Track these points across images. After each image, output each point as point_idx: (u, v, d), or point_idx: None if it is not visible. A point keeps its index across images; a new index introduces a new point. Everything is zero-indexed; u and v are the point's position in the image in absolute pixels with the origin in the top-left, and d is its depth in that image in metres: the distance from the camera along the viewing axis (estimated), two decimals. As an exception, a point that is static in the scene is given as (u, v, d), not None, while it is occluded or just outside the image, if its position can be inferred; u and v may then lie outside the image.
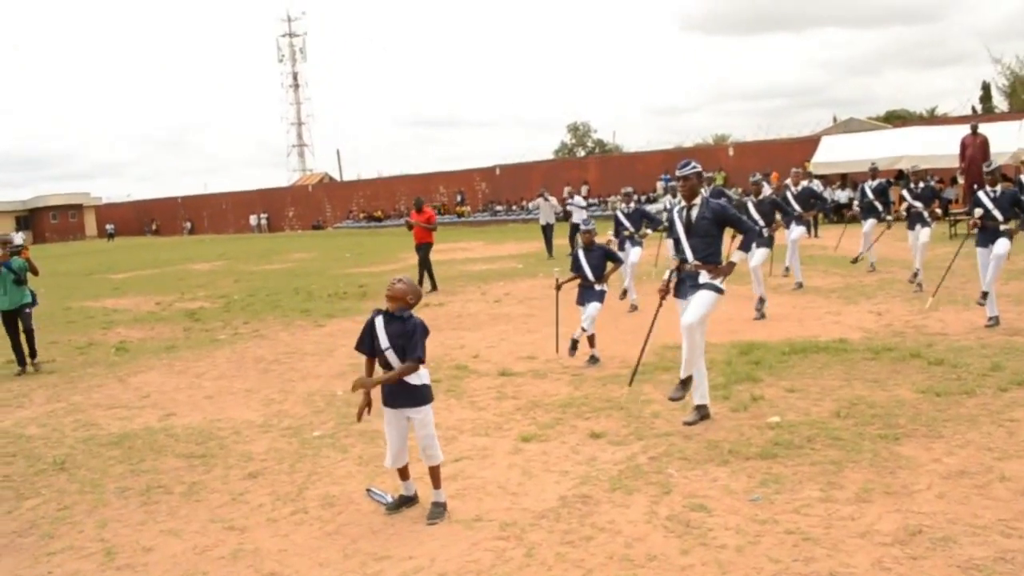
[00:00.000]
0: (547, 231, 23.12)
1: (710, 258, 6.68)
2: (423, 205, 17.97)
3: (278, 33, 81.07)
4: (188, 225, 69.99)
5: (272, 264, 27.67)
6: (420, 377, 5.14)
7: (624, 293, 13.16)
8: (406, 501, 5.39)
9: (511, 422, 7.20)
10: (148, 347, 12.48)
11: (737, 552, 4.38)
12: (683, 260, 6.79)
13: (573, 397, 7.85)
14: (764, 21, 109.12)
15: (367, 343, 5.21)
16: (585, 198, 40.28)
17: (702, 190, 6.93)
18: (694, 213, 6.71)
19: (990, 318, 9.70)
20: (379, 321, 5.14)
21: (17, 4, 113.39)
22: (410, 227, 17.44)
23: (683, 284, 6.82)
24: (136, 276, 26.31)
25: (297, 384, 9.33)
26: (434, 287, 16.77)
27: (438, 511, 5.17)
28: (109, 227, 70.42)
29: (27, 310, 11.33)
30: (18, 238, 42.42)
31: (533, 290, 15.91)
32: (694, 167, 6.72)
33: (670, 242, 7.13)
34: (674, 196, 16.40)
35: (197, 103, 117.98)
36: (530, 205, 22.84)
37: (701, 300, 6.62)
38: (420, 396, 5.14)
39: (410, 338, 5.04)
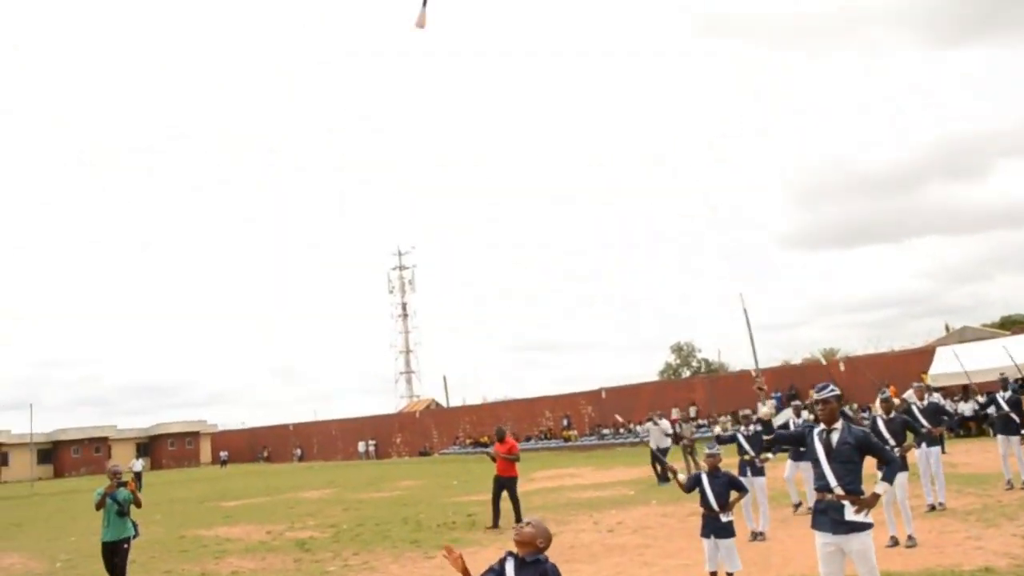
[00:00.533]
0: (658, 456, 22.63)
1: (852, 486, 6.42)
2: (505, 434, 17.36)
3: (389, 266, 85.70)
4: (298, 452, 71.40)
5: (380, 492, 27.70)
6: None
7: (754, 535, 12.40)
8: None
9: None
10: (259, 580, 12.45)
11: None
12: (823, 489, 6.54)
13: (699, 638, 7.40)
14: (861, 235, 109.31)
15: None
16: (691, 419, 39.65)
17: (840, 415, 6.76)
18: (835, 437, 6.54)
19: None
20: (509, 566, 4.95)
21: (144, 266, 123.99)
22: (493, 459, 16.82)
23: (823, 515, 6.49)
24: (247, 504, 26.63)
25: (409, 620, 9.09)
26: (518, 519, 15.70)
27: None
28: (223, 454, 72.51)
29: (125, 546, 11.22)
30: (138, 465, 44.08)
31: (647, 518, 15.41)
32: (832, 390, 6.65)
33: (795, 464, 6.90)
34: (797, 415, 15.99)
35: (309, 334, 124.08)
36: (640, 429, 22.43)
37: (866, 556, 6.33)
38: None
39: None
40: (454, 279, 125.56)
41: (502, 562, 5.01)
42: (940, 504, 13.06)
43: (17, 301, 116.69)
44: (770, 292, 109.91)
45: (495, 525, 15.53)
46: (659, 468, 22.32)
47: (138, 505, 11.60)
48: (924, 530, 11.34)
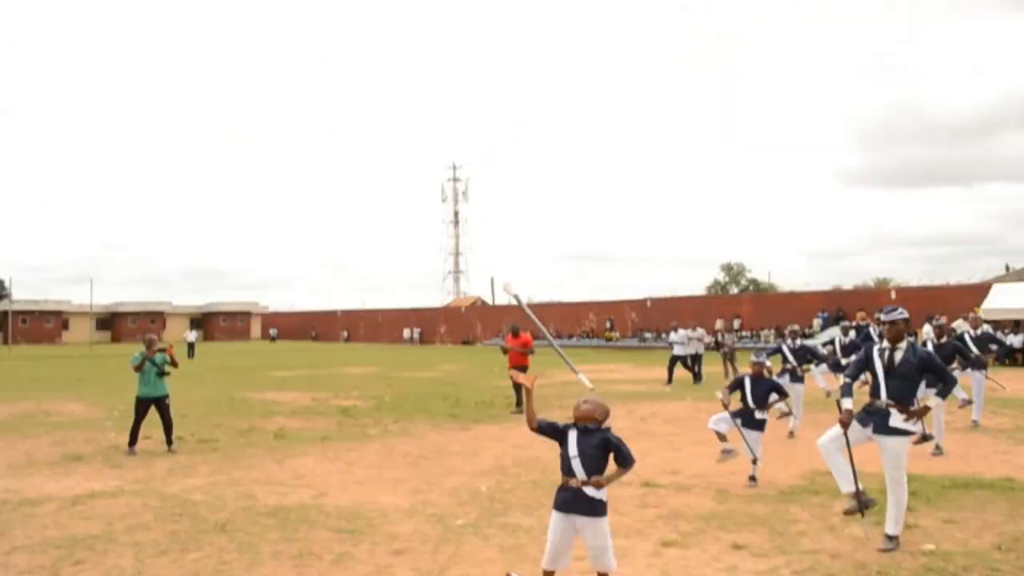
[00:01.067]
0: (695, 361, 23.04)
1: (903, 398, 6.70)
2: (520, 330, 16.87)
3: (444, 178, 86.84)
4: (345, 334, 73.14)
5: (422, 372, 28.49)
6: (599, 493, 5.18)
7: (782, 415, 13.01)
8: None
9: (652, 528, 7.18)
10: (304, 436, 13.07)
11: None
12: (875, 396, 6.82)
13: (716, 511, 7.75)
14: (930, 177, 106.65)
15: (547, 428, 5.35)
16: (733, 330, 39.69)
17: (907, 336, 6.96)
18: (898, 356, 6.82)
19: None
20: (572, 435, 5.26)
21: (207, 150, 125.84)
22: (505, 351, 16.58)
23: (869, 416, 6.79)
24: (295, 375, 27.62)
25: (443, 478, 9.58)
26: (518, 404, 16.11)
27: None
28: (272, 331, 74.56)
29: (167, 401, 11.96)
30: (191, 336, 45.77)
31: (680, 411, 15.77)
32: (901, 312, 6.92)
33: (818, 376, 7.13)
34: (844, 334, 16.51)
35: (364, 231, 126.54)
36: (676, 336, 22.62)
37: (897, 454, 6.62)
38: (597, 508, 5.17)
39: (617, 449, 5.19)
40: (509, 189, 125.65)
41: (566, 427, 5.33)
42: (975, 422, 13.28)
43: (83, 183, 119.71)
44: (828, 221, 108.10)
45: (519, 408, 15.82)
46: (696, 368, 22.86)
47: (175, 365, 12.30)
48: (953, 443, 11.50)
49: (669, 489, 8.79)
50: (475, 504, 8.20)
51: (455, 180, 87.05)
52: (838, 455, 6.79)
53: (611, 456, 5.20)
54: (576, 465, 5.14)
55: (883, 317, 6.95)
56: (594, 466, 5.13)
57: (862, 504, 6.70)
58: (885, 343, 6.91)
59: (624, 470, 5.23)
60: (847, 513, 6.81)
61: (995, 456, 10.53)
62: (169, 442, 11.85)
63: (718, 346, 25.33)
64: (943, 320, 12.69)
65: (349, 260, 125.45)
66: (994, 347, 14.30)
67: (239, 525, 7.37)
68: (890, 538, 6.45)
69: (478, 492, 8.75)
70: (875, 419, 6.70)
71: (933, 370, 6.91)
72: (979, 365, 13.43)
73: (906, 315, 6.90)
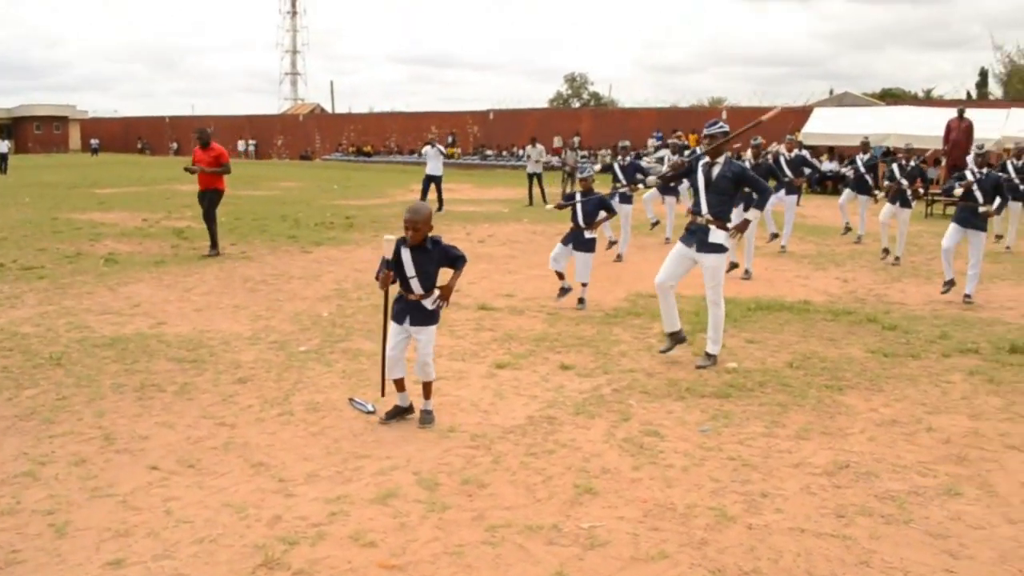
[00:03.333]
0: (537, 180, 23.40)
1: (721, 214, 7.10)
2: (210, 139, 13.22)
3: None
4: (174, 146, 69.55)
5: (259, 191, 27.78)
6: (430, 302, 5.55)
7: (610, 244, 13.54)
8: (401, 412, 5.74)
9: (487, 350, 7.64)
10: (136, 260, 12.75)
11: (683, 471, 4.87)
12: (696, 212, 7.20)
13: (547, 333, 8.29)
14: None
15: (391, 265, 5.51)
16: (575, 148, 40.37)
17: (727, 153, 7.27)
18: (715, 171, 7.10)
19: (966, 295, 10.05)
20: (406, 254, 5.48)
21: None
22: (192, 172, 13.25)
23: (692, 235, 7.19)
24: (122, 192, 26.33)
25: (284, 304, 9.71)
26: (214, 246, 13.49)
27: (428, 418, 5.66)
28: (93, 142, 69.68)
29: None
30: (3, 146, 42.11)
31: (517, 234, 16.28)
32: (721, 126, 7.14)
33: (649, 193, 7.57)
34: (673, 152, 16.87)
35: (189, 22, 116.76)
36: (423, 151, 21.99)
37: (715, 271, 7.09)
38: (431, 317, 5.57)
39: (453, 258, 5.57)
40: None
41: (399, 247, 5.49)
42: (783, 248, 14.35)
43: None
44: (670, 34, 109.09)
45: (214, 247, 13.47)
46: (541, 189, 23.35)
47: None
48: (760, 267, 12.52)
49: (504, 312, 9.29)
50: (317, 329, 8.43)
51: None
52: (671, 296, 7.29)
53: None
54: (415, 284, 5.50)
55: (705, 131, 7.18)
56: (430, 281, 5.53)
57: (677, 342, 7.35)
58: (707, 158, 7.15)
59: (460, 271, 5.60)
60: (664, 351, 7.41)
61: (796, 280, 11.60)
62: None
63: (562, 165, 25.88)
64: (760, 141, 13.49)
65: (174, 57, 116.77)
66: (807, 171, 15.39)
67: (75, 358, 7.31)
68: (708, 356, 7.16)
69: (319, 317, 8.96)
70: (696, 237, 7.13)
71: (747, 182, 7.18)
72: (791, 189, 14.46)
73: (726, 128, 7.13)
